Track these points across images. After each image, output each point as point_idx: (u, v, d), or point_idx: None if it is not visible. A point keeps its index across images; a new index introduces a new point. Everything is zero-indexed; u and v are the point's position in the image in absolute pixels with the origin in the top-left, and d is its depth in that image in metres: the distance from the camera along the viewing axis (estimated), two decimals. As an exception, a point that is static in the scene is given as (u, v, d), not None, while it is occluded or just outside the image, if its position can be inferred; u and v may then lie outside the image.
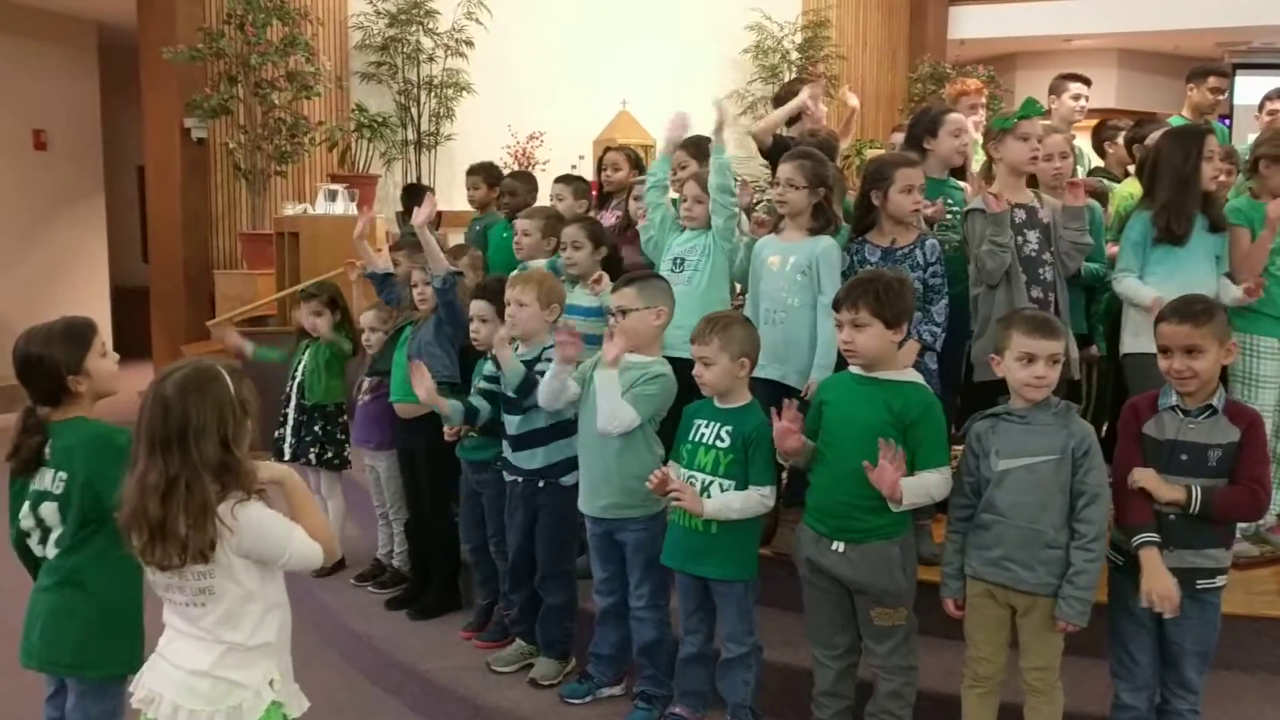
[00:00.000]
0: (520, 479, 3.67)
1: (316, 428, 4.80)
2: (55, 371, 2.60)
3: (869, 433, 2.82)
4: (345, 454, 4.86)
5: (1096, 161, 5.75)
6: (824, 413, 2.98)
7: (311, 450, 4.78)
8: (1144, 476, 2.75)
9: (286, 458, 4.81)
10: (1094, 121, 6.01)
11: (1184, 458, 2.75)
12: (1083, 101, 5.36)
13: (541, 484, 3.62)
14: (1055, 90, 5.43)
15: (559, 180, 5.23)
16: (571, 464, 3.56)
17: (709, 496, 3.05)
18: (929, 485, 2.84)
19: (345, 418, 4.86)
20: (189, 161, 9.38)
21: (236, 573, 2.20)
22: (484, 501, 3.95)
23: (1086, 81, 5.39)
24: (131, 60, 9.77)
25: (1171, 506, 2.72)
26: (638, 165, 5.46)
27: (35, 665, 2.68)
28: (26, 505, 2.66)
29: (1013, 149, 3.81)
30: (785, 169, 3.78)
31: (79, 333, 2.67)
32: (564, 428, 3.57)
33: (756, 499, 3.05)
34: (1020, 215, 3.80)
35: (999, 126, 3.84)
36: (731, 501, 3.04)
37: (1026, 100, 3.90)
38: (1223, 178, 4.86)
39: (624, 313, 3.30)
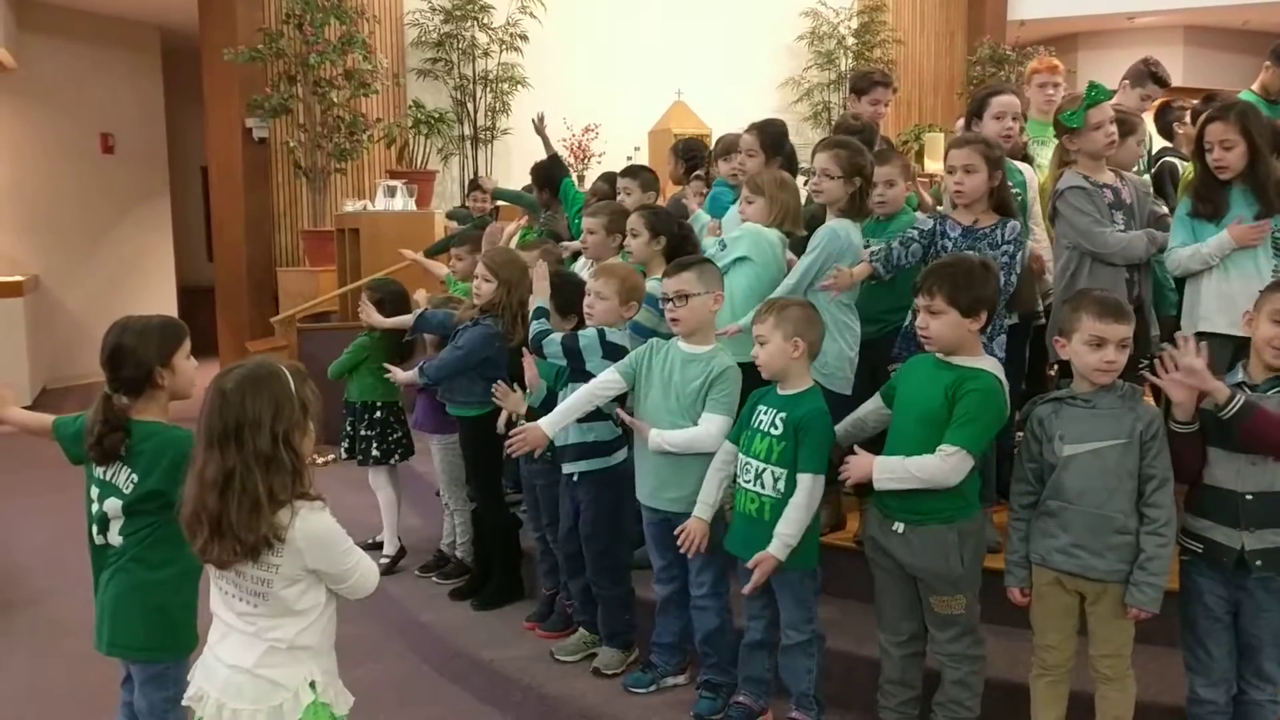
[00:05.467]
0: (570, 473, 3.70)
1: (357, 424, 4.89)
2: (146, 363, 2.66)
3: (926, 415, 2.81)
4: (390, 446, 4.88)
5: (1160, 143, 5.59)
6: (896, 394, 2.99)
7: (359, 447, 4.89)
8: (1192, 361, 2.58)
9: (343, 455, 4.97)
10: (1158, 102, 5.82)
11: None
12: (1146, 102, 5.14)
13: (575, 478, 3.64)
14: (1134, 80, 5.18)
15: (624, 174, 5.02)
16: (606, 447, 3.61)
17: (761, 485, 3.05)
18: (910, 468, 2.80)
19: (380, 414, 4.87)
20: (251, 161, 9.57)
21: (296, 583, 2.22)
22: (538, 492, 3.98)
23: (1163, 83, 5.13)
24: (193, 63, 9.96)
25: (1208, 400, 2.61)
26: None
27: (105, 650, 2.75)
28: (95, 491, 2.72)
29: (1089, 140, 3.76)
30: (821, 158, 3.70)
31: (174, 331, 2.74)
32: (591, 446, 3.61)
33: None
34: (1108, 196, 3.74)
35: (1069, 124, 3.76)
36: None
37: (1089, 87, 3.81)
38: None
39: (685, 298, 3.27)
